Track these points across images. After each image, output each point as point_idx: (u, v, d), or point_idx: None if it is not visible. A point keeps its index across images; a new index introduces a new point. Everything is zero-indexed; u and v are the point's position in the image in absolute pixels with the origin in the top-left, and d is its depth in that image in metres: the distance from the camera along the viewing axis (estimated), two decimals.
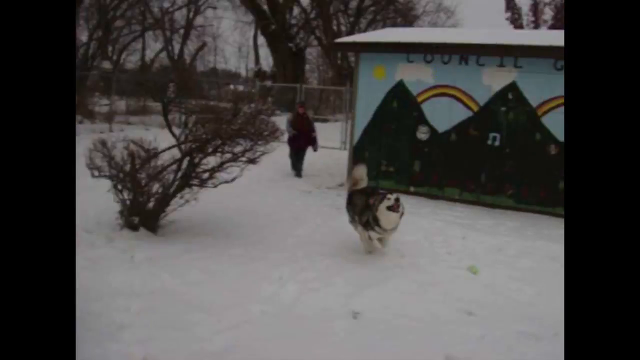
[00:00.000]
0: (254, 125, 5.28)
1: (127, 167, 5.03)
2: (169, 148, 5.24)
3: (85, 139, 7.55)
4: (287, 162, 9.39)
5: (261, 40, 33.69)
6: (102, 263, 4.34)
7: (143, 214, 5.19)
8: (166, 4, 32.97)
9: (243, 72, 47.26)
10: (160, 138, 5.36)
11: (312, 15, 28.68)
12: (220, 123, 5.02)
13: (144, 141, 5.11)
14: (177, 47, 37.50)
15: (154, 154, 5.08)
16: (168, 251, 4.73)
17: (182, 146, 5.24)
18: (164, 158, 5.28)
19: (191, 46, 38.62)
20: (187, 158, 5.17)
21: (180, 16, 35.98)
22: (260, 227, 5.80)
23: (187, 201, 5.26)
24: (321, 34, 27.42)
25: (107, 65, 29.16)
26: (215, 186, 5.36)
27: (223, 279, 4.18)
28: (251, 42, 35.48)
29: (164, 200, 5.20)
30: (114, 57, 33.49)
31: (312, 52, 33.86)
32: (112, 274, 4.08)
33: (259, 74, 34.34)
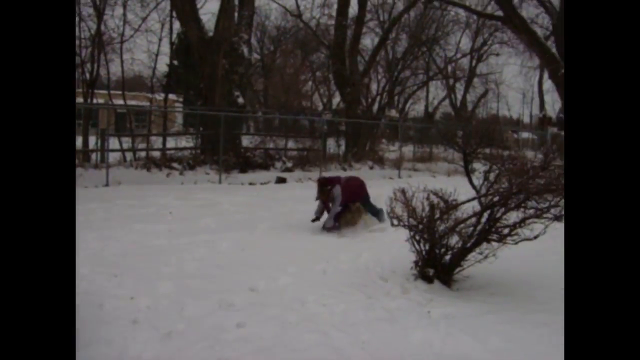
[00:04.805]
0: (561, 179, 4.78)
1: (426, 218, 4.97)
2: (469, 200, 5.04)
3: (376, 184, 7.89)
4: None
5: (546, 85, 31.95)
6: (399, 316, 4.29)
7: (439, 266, 5.06)
8: (450, 53, 33.71)
9: (526, 119, 45.42)
10: (459, 189, 5.22)
11: None
12: (527, 176, 4.64)
13: (444, 193, 5.01)
14: (459, 95, 37.94)
15: (453, 205, 4.94)
16: (465, 310, 4.46)
17: (482, 199, 4.99)
18: (463, 209, 5.10)
19: (473, 93, 38.68)
20: (488, 212, 4.89)
21: (464, 64, 36.40)
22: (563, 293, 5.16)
23: (485, 257, 4.97)
24: None
25: (393, 113, 30.75)
26: (516, 243, 4.95)
27: (527, 350, 3.74)
28: (536, 88, 33.95)
29: (462, 253, 4.99)
30: (399, 106, 35.30)
31: None
32: (411, 330, 3.98)
33: (544, 121, 32.48)
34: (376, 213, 7.81)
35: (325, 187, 7.59)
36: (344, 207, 7.53)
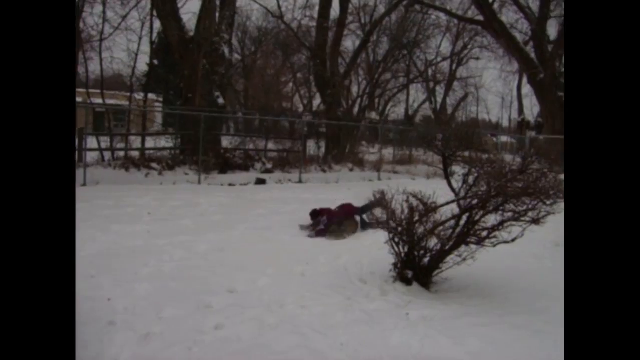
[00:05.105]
0: (539, 183, 4.84)
1: (406, 220, 5.00)
2: (448, 203, 5.08)
3: (357, 185, 7.92)
4: None
5: (525, 90, 32.39)
6: (378, 318, 4.30)
7: (418, 268, 5.09)
8: (430, 57, 33.97)
9: (505, 123, 45.95)
10: (438, 191, 5.25)
11: None
12: (505, 179, 4.69)
13: (423, 195, 5.04)
14: (440, 98, 38.26)
15: (432, 208, 4.97)
16: (443, 312, 4.50)
17: (461, 201, 5.03)
18: (442, 212, 5.14)
19: (453, 97, 39.03)
20: (467, 214, 4.93)
21: (444, 67, 36.73)
22: (541, 295, 5.22)
23: (464, 259, 5.00)
24: None
25: (374, 115, 30.85)
26: (494, 245, 5.00)
27: (507, 353, 3.78)
28: (515, 92, 34.40)
29: (440, 256, 5.03)
30: (380, 108, 35.43)
31: None
32: (389, 332, 3.99)
33: (523, 125, 32.91)
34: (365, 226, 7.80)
35: (316, 217, 7.79)
36: (340, 222, 7.56)
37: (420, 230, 4.97)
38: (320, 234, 7.35)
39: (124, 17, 18.70)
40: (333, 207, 8.00)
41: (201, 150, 13.89)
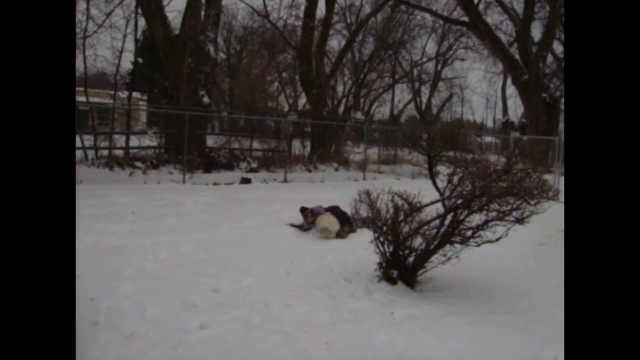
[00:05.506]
0: (523, 183, 4.88)
1: (391, 220, 5.01)
2: (433, 203, 5.10)
3: (341, 186, 7.93)
4: (559, 224, 8.61)
5: (510, 90, 32.67)
6: (363, 317, 4.30)
7: (402, 268, 5.10)
8: (415, 57, 34.11)
9: (490, 124, 46.30)
10: (423, 191, 5.27)
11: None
12: (490, 179, 4.72)
13: (408, 195, 5.06)
14: (425, 99, 38.42)
15: (417, 207, 4.98)
16: (428, 311, 4.51)
17: (446, 201, 5.06)
18: (427, 211, 5.16)
19: (438, 97, 39.21)
20: (451, 214, 4.96)
21: (429, 68, 36.89)
22: (525, 294, 5.27)
23: (448, 258, 5.03)
24: None
25: (359, 115, 30.90)
26: (479, 245, 5.03)
27: (491, 352, 3.80)
28: (499, 93, 34.68)
29: (425, 255, 5.05)
30: (365, 108, 35.49)
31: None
32: (374, 331, 4.00)
33: (507, 125, 33.15)
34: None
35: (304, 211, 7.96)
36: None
37: (405, 229, 4.99)
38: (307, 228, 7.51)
39: (108, 15, 18.54)
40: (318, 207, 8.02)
41: (186, 149, 13.81)
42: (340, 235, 7.11)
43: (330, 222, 7.15)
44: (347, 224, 7.20)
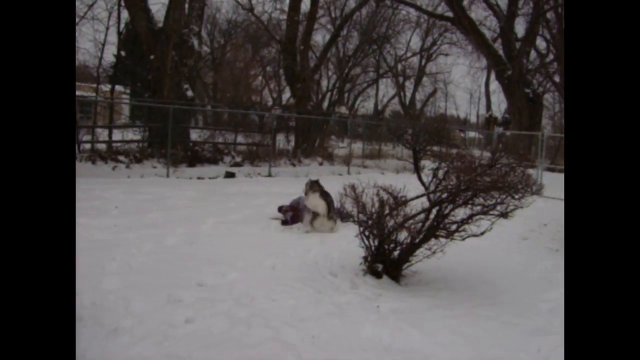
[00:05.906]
0: (507, 177, 4.92)
1: (376, 214, 5.02)
2: (418, 197, 5.12)
3: (326, 180, 7.93)
4: (543, 218, 8.76)
5: (493, 86, 32.90)
6: (348, 310, 4.32)
7: (388, 261, 5.12)
8: (400, 52, 34.20)
9: (473, 119, 46.62)
10: (408, 185, 5.29)
11: (548, 60, 27.26)
12: (474, 174, 4.74)
13: (394, 189, 5.07)
14: (409, 93, 38.53)
15: (403, 201, 5.00)
16: (413, 305, 4.54)
17: (431, 195, 5.08)
18: (412, 205, 5.18)
19: (422, 92, 39.36)
20: (436, 208, 4.98)
21: (413, 63, 36.98)
22: (508, 287, 5.33)
23: (433, 252, 5.06)
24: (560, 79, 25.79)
25: (343, 110, 30.92)
26: (463, 239, 5.07)
27: (476, 345, 3.84)
28: (483, 88, 34.92)
29: (410, 249, 5.07)
30: (349, 103, 35.52)
31: (547, 99, 32.07)
32: (360, 324, 4.01)
33: (490, 121, 33.39)
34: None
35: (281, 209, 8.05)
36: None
37: (391, 223, 5.00)
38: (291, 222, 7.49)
39: (90, 6, 18.34)
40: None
41: (170, 143, 13.72)
42: (331, 217, 7.16)
43: (317, 204, 7.13)
44: (332, 208, 7.20)
